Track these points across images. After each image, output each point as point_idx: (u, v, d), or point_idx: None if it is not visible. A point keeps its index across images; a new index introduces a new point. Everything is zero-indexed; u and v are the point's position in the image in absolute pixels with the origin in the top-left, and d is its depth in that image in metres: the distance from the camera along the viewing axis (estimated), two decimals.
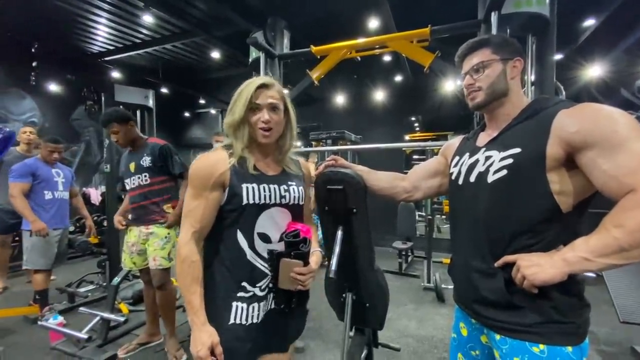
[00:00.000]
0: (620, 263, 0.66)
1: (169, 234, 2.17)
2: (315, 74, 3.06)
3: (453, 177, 0.99)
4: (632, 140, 0.67)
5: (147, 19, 4.92)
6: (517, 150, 0.80)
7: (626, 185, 0.66)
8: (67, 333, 2.25)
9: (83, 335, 2.18)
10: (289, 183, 1.06)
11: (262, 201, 0.98)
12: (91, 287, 3.47)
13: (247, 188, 0.96)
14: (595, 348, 2.38)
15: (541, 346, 0.76)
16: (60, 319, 2.45)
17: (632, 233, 0.63)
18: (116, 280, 2.41)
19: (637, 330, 2.47)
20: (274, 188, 1.01)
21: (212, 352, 0.90)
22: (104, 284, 3.40)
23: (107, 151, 4.56)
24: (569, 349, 0.75)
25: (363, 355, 1.74)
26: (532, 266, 0.73)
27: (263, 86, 0.98)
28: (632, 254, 0.64)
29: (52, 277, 2.86)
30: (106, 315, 2.35)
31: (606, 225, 0.68)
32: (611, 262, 0.66)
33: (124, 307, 2.79)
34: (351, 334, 1.71)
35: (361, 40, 2.93)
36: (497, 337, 0.83)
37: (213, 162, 0.97)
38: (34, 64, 5.85)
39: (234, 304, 0.98)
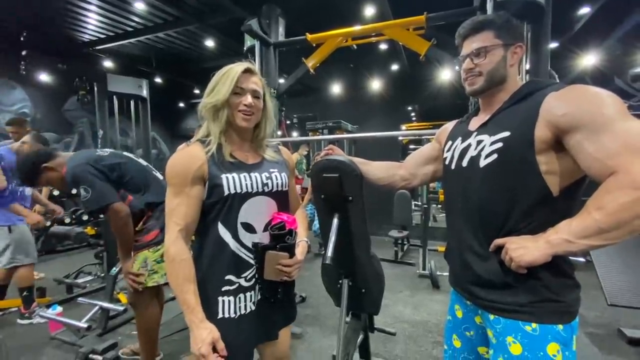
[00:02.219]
0: (601, 244, 0.68)
1: (135, 255, 1.74)
2: (311, 63, 3.03)
3: (446, 162, 1.00)
4: (617, 121, 0.67)
5: (139, 6, 4.82)
6: (507, 134, 0.81)
7: (608, 167, 0.66)
8: (67, 322, 2.27)
9: (83, 324, 2.20)
10: (271, 170, 1.05)
11: (245, 190, 0.97)
12: (89, 278, 3.48)
13: (228, 178, 0.95)
14: (583, 330, 2.45)
15: (533, 325, 0.78)
16: (59, 309, 2.47)
17: (611, 215, 0.65)
18: (114, 270, 2.42)
19: (623, 313, 2.56)
20: (255, 176, 1.00)
21: (215, 350, 0.89)
22: (102, 274, 3.42)
23: (102, 142, 4.53)
24: (560, 327, 0.78)
25: (359, 339, 1.78)
26: (519, 248, 0.76)
27: (248, 71, 0.98)
28: (611, 235, 0.66)
29: (40, 275, 2.82)
30: (105, 304, 2.37)
31: (588, 207, 0.69)
32: (592, 243, 0.68)
33: (123, 297, 2.81)
34: (348, 319, 1.75)
35: (357, 28, 2.90)
36: (492, 317, 0.85)
37: (189, 156, 0.95)
38: (23, 53, 5.71)
39: (220, 298, 0.97)
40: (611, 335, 2.39)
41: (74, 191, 1.63)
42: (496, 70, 0.87)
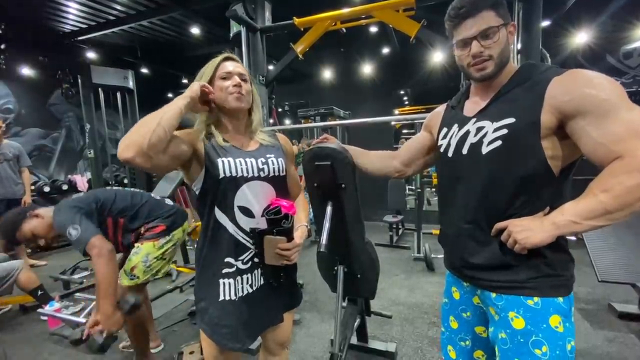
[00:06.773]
0: (604, 224, 0.70)
1: (138, 246, 1.73)
2: (300, 48, 2.97)
3: (442, 149, 0.97)
4: (621, 108, 0.69)
5: None
6: (512, 120, 0.79)
7: (614, 152, 0.68)
8: (65, 318, 2.28)
9: (81, 319, 2.21)
10: (267, 156, 1.06)
11: (240, 174, 0.99)
12: (85, 273, 3.47)
13: (223, 162, 0.97)
14: (575, 306, 2.51)
15: (535, 299, 0.80)
16: (57, 305, 2.46)
17: (618, 197, 0.67)
18: None
19: (614, 288, 2.63)
20: (251, 161, 1.02)
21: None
22: None
23: (90, 136, 4.44)
24: (560, 299, 0.80)
25: (356, 323, 1.81)
26: (524, 231, 0.76)
27: (229, 59, 1.03)
28: (615, 216, 0.69)
29: (41, 263, 2.76)
30: None
31: (593, 190, 0.71)
32: (597, 224, 0.70)
33: None
34: (344, 304, 1.78)
35: (345, 11, 2.84)
36: (493, 295, 0.86)
37: (188, 131, 1.00)
38: (2, 46, 5.52)
39: (221, 281, 1.01)
40: (602, 310, 2.46)
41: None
42: (504, 52, 0.84)
